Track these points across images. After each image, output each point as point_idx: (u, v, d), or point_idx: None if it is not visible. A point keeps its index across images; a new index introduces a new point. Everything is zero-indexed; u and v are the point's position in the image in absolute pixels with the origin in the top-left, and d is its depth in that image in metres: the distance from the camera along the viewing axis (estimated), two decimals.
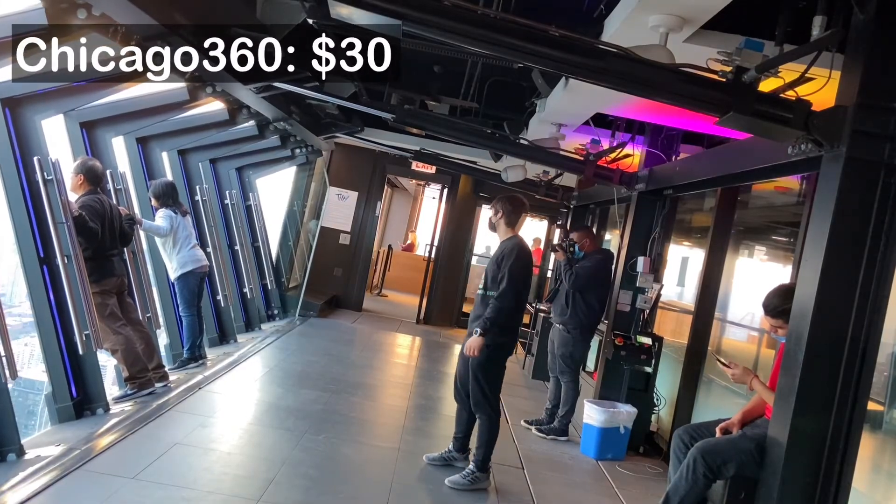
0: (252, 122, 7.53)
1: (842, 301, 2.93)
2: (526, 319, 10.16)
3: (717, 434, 3.53)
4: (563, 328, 6.00)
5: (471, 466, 4.48)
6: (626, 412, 5.56)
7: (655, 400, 5.88)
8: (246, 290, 8.17)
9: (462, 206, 12.15)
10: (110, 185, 5.40)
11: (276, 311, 9.54)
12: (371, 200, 11.73)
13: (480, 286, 4.58)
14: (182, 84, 5.80)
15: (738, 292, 5.58)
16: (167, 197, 6.13)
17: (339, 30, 3.23)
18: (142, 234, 5.87)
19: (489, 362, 4.45)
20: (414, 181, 15.53)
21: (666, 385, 5.95)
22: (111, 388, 5.64)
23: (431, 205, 17.33)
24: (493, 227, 4.68)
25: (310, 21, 3.89)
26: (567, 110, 6.00)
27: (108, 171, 5.39)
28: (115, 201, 5.37)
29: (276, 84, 5.88)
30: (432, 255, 12.13)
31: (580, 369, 6.14)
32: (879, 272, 2.93)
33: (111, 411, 4.87)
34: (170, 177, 6.72)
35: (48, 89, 4.67)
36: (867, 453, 3.24)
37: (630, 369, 5.79)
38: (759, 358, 5.09)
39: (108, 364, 5.42)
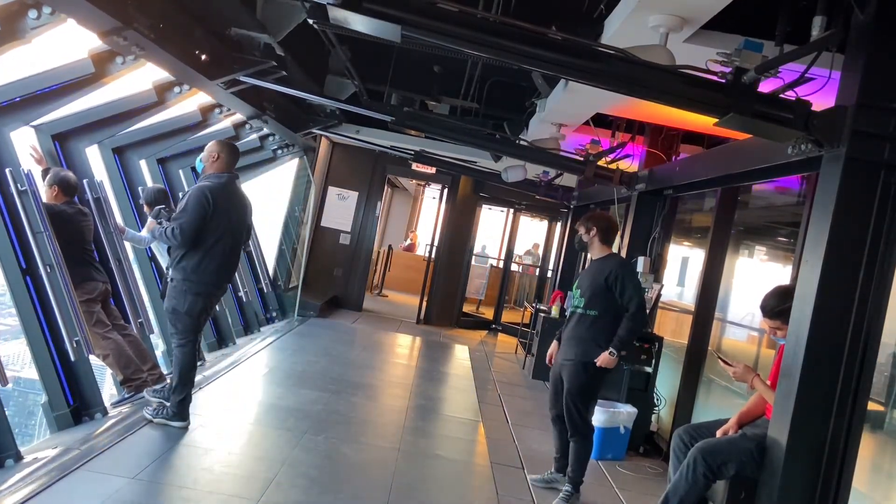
0: (227, 123, 7.52)
1: (842, 301, 2.94)
2: (526, 319, 10.22)
3: (718, 437, 3.53)
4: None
5: (568, 487, 4.46)
6: (625, 412, 5.56)
7: (655, 400, 5.88)
8: (241, 293, 8.15)
9: (462, 207, 12.15)
10: (88, 195, 5.38)
11: (274, 314, 9.53)
12: (371, 200, 11.73)
13: (577, 305, 4.52)
14: (150, 86, 5.81)
15: (738, 292, 5.58)
16: (159, 203, 6.12)
17: (340, 31, 3.24)
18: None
19: (592, 383, 4.45)
20: (414, 181, 15.54)
21: (666, 385, 5.95)
22: (111, 392, 5.65)
23: (431, 205, 17.34)
24: (582, 245, 4.65)
25: (310, 21, 3.90)
26: (567, 110, 6.00)
27: (84, 181, 5.37)
28: (94, 210, 5.36)
29: (242, 78, 5.88)
30: (431, 256, 12.13)
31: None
32: (879, 272, 2.94)
33: (109, 415, 4.86)
34: (150, 184, 6.69)
35: (12, 100, 4.65)
36: (867, 453, 3.25)
37: (630, 369, 5.80)
38: (760, 358, 5.09)
39: (105, 368, 5.42)
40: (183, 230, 4.52)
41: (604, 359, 4.31)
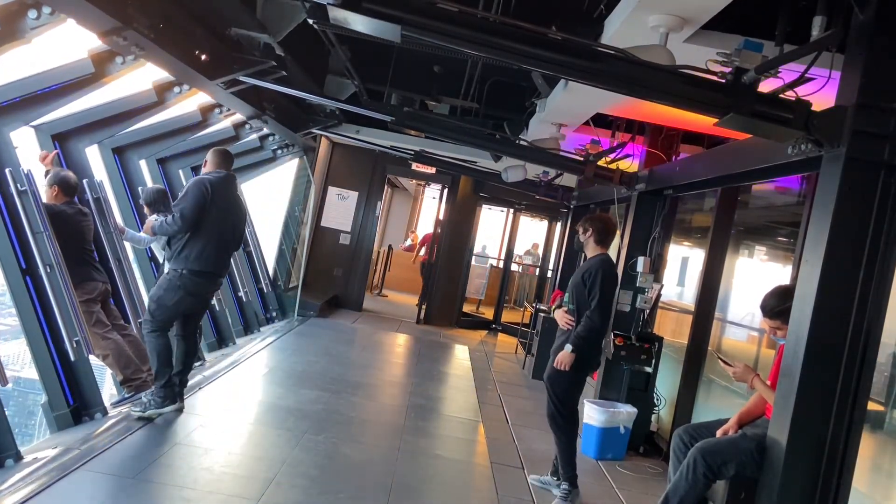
0: (227, 123, 7.51)
1: (842, 301, 2.93)
2: (526, 319, 10.22)
3: (718, 437, 3.53)
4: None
5: (565, 485, 4.50)
6: (626, 412, 5.56)
7: (655, 400, 5.88)
8: (241, 293, 8.15)
9: (462, 206, 12.15)
10: (88, 195, 5.39)
11: (274, 314, 9.53)
12: (371, 200, 11.73)
13: (566, 299, 4.67)
14: (150, 86, 5.82)
15: (738, 292, 5.58)
16: (159, 203, 6.12)
17: (340, 31, 3.24)
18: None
19: (564, 373, 4.47)
20: (414, 181, 15.54)
21: (666, 385, 5.95)
22: (111, 392, 5.64)
23: (431, 205, 17.34)
24: (580, 245, 4.75)
25: (310, 21, 3.90)
26: (567, 110, 6.00)
27: (84, 181, 5.37)
28: (94, 210, 5.36)
29: (242, 78, 5.89)
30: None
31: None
32: (879, 272, 2.93)
33: (109, 415, 4.87)
34: (150, 185, 6.70)
35: (12, 100, 4.67)
36: (867, 453, 3.25)
37: (630, 369, 5.80)
38: (760, 358, 5.09)
39: (105, 368, 5.42)
40: (184, 215, 4.67)
41: (561, 356, 4.42)
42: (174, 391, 4.79)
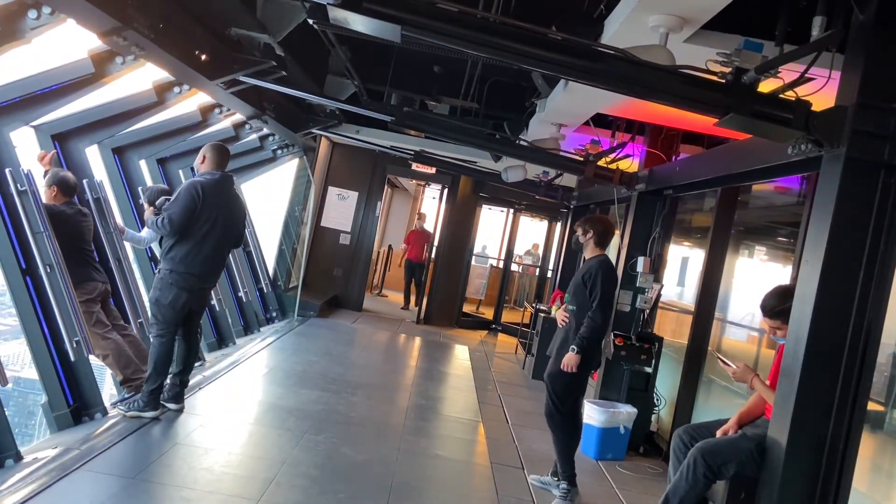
0: (227, 123, 7.51)
1: (842, 301, 2.94)
2: (526, 319, 10.22)
3: (718, 437, 3.54)
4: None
5: (564, 484, 4.52)
6: (626, 412, 5.56)
7: (655, 400, 5.88)
8: (241, 293, 8.15)
9: (462, 206, 12.15)
10: (88, 195, 5.39)
11: (274, 314, 9.52)
12: (371, 200, 11.73)
13: (566, 300, 4.74)
14: (150, 86, 5.82)
15: (738, 292, 5.58)
16: (162, 202, 6.13)
17: (340, 31, 3.24)
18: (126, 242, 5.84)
19: (567, 373, 4.50)
20: (414, 181, 15.54)
21: (666, 385, 5.95)
22: (111, 392, 5.64)
23: (432, 205, 17.33)
24: (579, 245, 4.81)
25: (310, 21, 3.90)
26: (567, 110, 6.00)
27: (84, 181, 5.37)
28: (94, 210, 5.37)
29: (242, 78, 5.89)
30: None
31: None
32: (879, 272, 2.94)
33: (109, 415, 4.87)
34: (150, 184, 6.70)
35: (12, 100, 4.67)
36: (867, 453, 3.25)
37: (630, 369, 5.80)
38: (760, 358, 5.09)
39: (105, 368, 5.42)
40: (171, 220, 4.70)
41: (567, 359, 4.45)
42: (159, 398, 4.80)
